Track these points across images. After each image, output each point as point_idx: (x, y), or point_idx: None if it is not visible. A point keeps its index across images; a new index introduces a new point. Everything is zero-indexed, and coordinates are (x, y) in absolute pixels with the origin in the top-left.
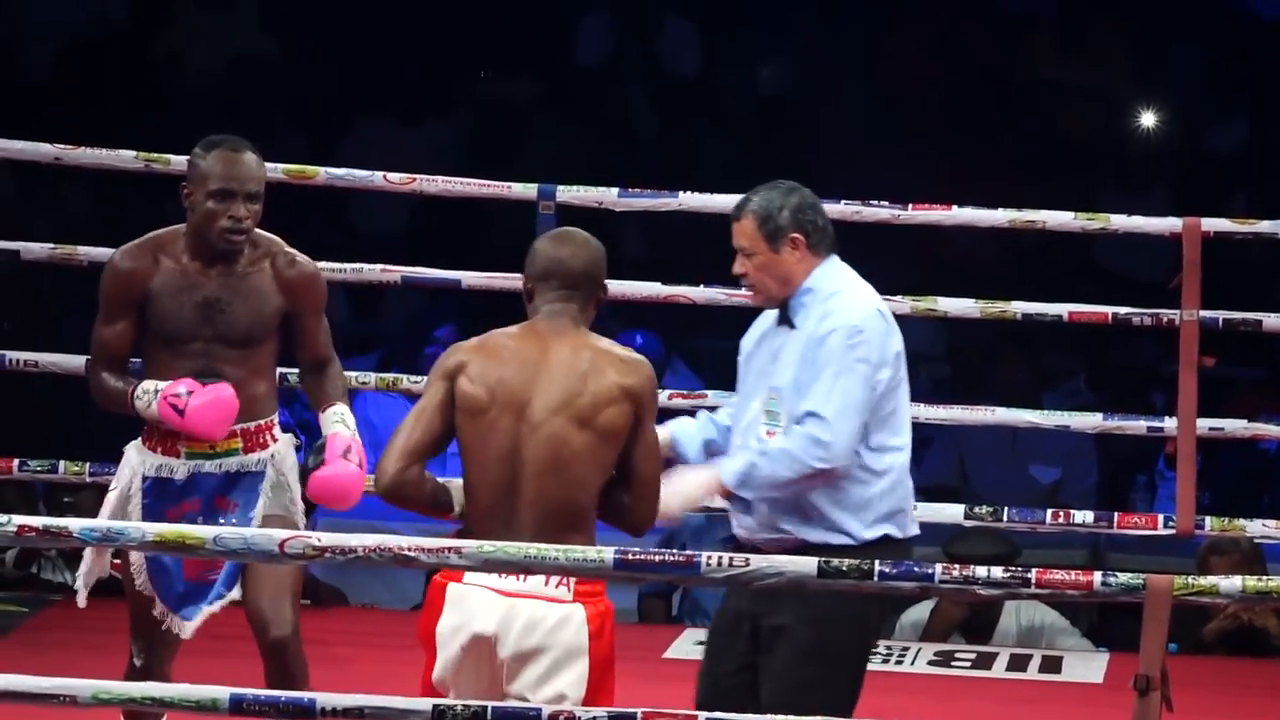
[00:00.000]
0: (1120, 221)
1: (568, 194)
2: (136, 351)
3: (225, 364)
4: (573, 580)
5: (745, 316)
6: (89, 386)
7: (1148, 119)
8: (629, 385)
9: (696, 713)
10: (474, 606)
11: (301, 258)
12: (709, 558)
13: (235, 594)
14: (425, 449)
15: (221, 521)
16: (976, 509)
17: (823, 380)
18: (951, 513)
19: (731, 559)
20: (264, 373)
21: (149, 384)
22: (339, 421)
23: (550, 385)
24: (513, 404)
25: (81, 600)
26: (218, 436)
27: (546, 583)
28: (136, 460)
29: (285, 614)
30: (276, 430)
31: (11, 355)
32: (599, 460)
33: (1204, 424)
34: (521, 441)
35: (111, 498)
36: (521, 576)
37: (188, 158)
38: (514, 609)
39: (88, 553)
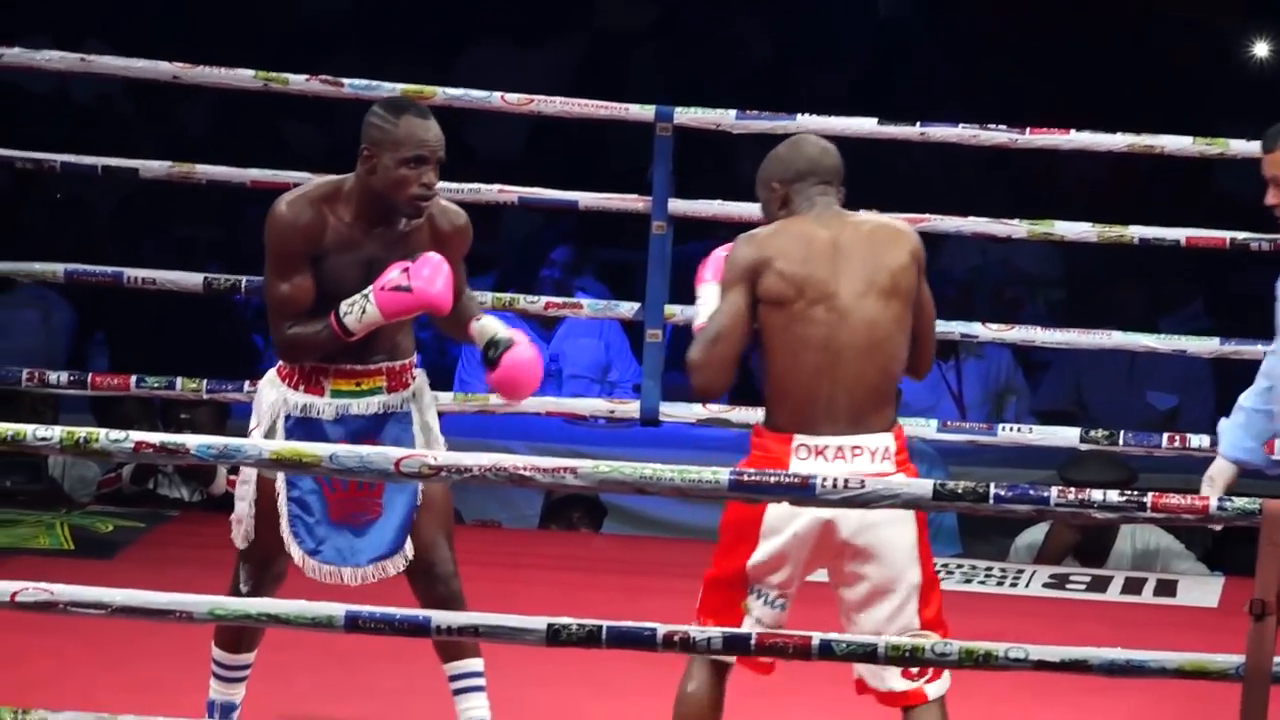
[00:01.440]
0: (1239, 146)
1: (685, 116)
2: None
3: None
4: (893, 453)
5: None
6: (280, 351)
7: (1261, 48)
8: (912, 247)
9: (810, 633)
10: None
11: (453, 208)
12: (824, 479)
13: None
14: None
15: None
16: (1092, 433)
17: None
18: (1067, 436)
19: (847, 480)
20: (409, 324)
21: (345, 302)
22: (503, 326)
23: (850, 270)
24: (822, 294)
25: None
26: (448, 304)
27: (872, 459)
28: (275, 396)
29: (445, 553)
30: (416, 370)
31: (130, 273)
32: (905, 328)
33: None
34: (835, 328)
35: (256, 435)
36: (849, 458)
37: (371, 119)
38: None
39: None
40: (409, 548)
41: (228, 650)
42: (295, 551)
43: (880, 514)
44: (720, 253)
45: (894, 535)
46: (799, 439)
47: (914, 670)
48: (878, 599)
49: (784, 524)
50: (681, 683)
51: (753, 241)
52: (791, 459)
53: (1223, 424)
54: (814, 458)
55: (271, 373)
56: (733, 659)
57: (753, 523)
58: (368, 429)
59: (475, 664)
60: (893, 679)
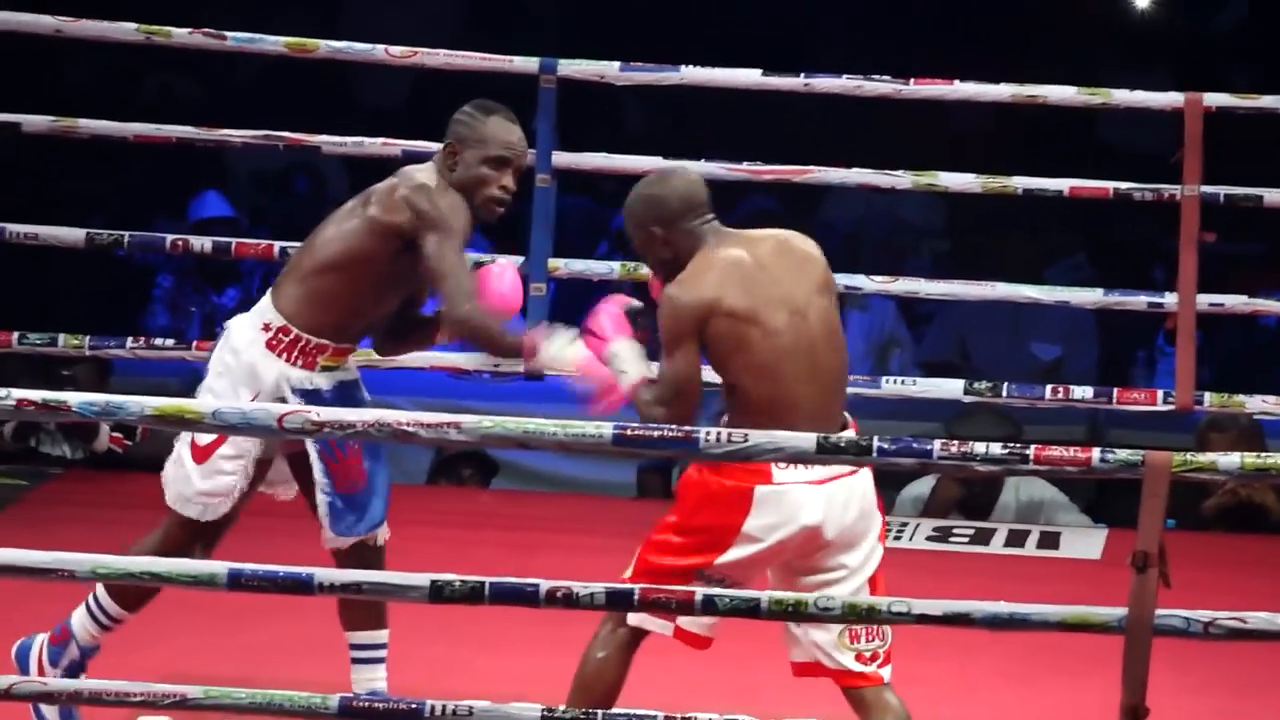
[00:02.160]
0: (1122, 96)
1: (570, 68)
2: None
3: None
4: None
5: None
6: (457, 321)
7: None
8: (818, 249)
9: (694, 589)
10: (794, 502)
11: None
12: (707, 433)
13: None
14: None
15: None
16: (976, 385)
17: None
18: (951, 388)
19: (730, 434)
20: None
21: (549, 335)
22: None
23: (786, 277)
24: (777, 309)
25: None
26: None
27: None
28: (274, 370)
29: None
30: None
31: (12, 228)
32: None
33: (1204, 300)
34: (799, 330)
35: (254, 404)
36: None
37: (459, 115)
38: (831, 494)
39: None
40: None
41: (126, 608)
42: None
43: (859, 508)
44: (609, 308)
45: (868, 526)
46: None
47: (867, 655)
48: (840, 583)
49: (767, 534)
50: (588, 649)
51: (688, 289)
52: (772, 469)
53: None
54: (792, 466)
55: (261, 344)
56: (646, 630)
57: (728, 530)
58: (357, 397)
59: (380, 635)
60: (847, 659)
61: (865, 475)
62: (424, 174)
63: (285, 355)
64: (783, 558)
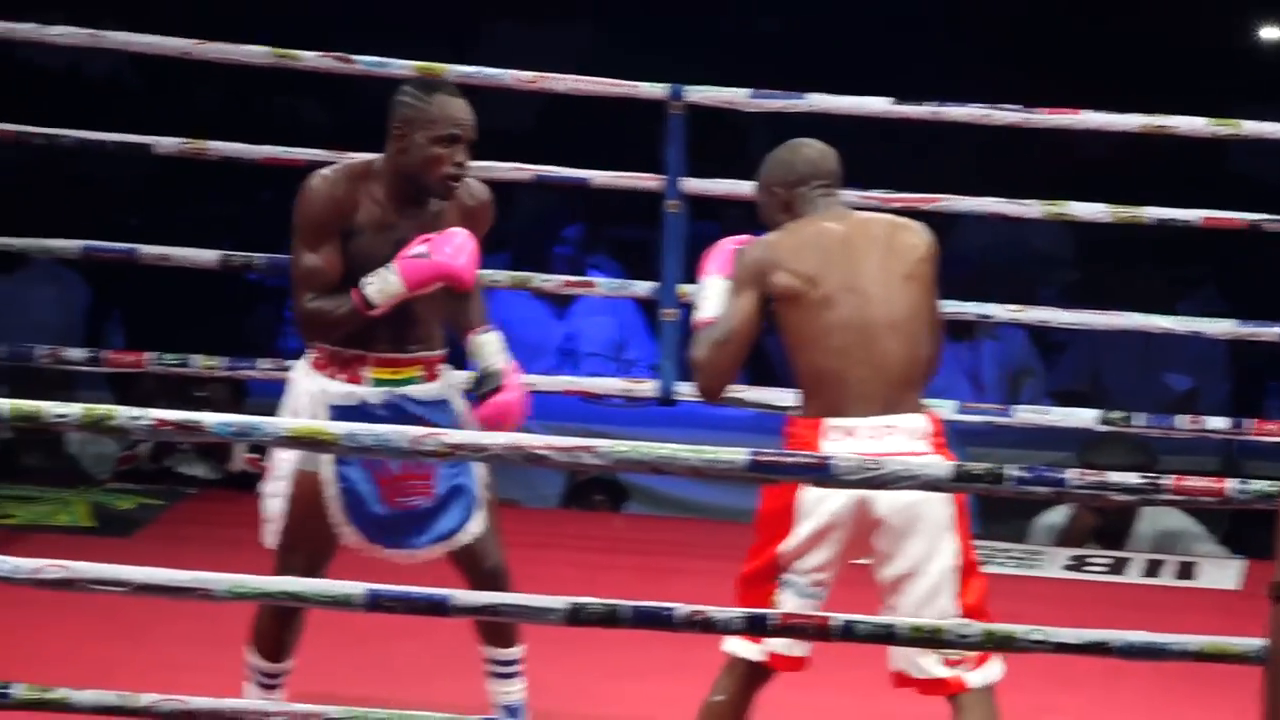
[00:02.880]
0: (1252, 128)
1: (697, 94)
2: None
3: (414, 303)
4: (929, 434)
5: None
6: (301, 325)
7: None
8: (927, 239)
9: (829, 614)
10: None
11: (477, 183)
12: (840, 459)
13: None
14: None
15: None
16: (1109, 414)
17: None
18: (1084, 417)
19: (864, 462)
20: (439, 305)
21: (368, 274)
22: (500, 350)
23: (869, 258)
24: (841, 281)
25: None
26: (471, 278)
27: (907, 439)
28: (314, 387)
29: (494, 545)
30: (447, 365)
31: (145, 249)
32: (927, 314)
33: None
34: (860, 309)
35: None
36: (882, 437)
37: (402, 97)
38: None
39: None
40: (471, 527)
41: (268, 659)
42: (354, 539)
43: (917, 491)
44: (726, 245)
45: (929, 511)
46: (830, 422)
47: (954, 657)
48: (911, 579)
49: (817, 504)
50: (710, 690)
51: (763, 243)
52: (822, 441)
53: None
54: (845, 438)
55: (304, 364)
56: (767, 673)
57: (785, 510)
58: (416, 416)
59: (514, 651)
60: (932, 666)
61: (931, 458)
62: (317, 173)
63: (325, 371)
64: (847, 539)
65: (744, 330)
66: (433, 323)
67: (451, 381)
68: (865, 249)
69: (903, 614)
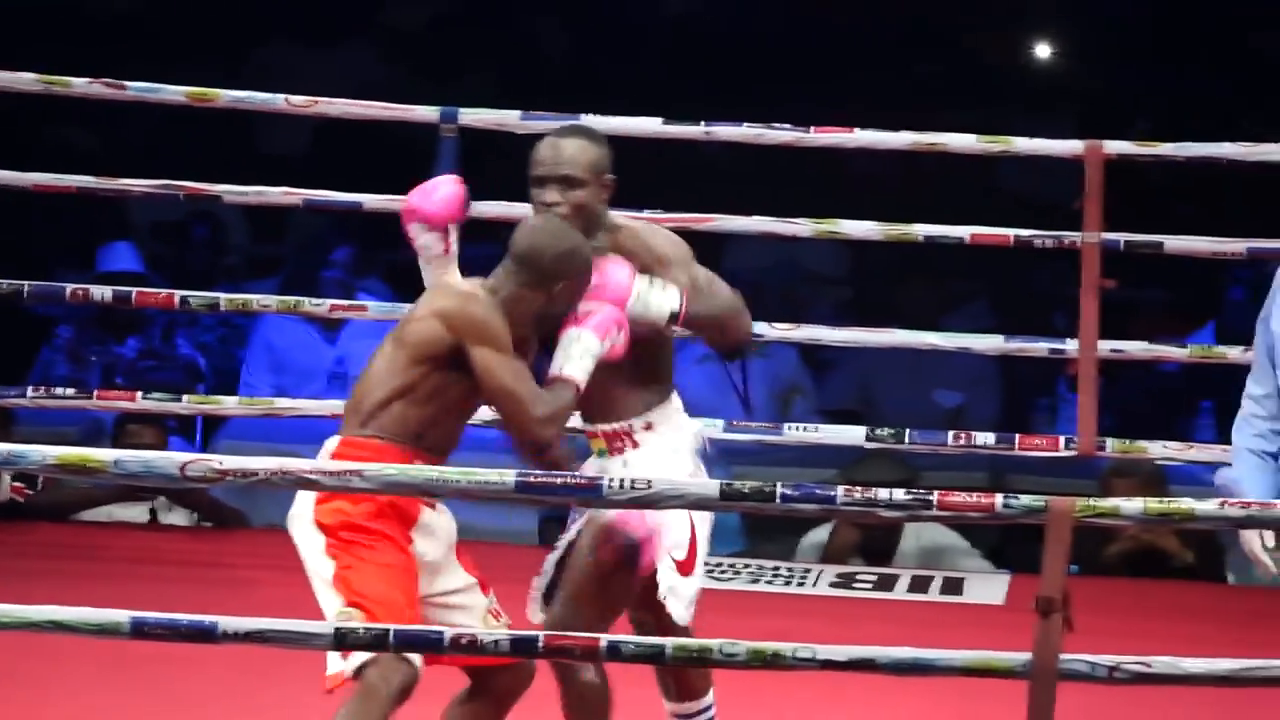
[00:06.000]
0: (1022, 144)
1: (470, 117)
2: None
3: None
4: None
5: None
6: (546, 432)
7: (1048, 47)
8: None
9: (599, 635)
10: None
11: (621, 238)
12: (610, 481)
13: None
14: None
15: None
16: (878, 431)
17: None
18: (853, 435)
19: (633, 481)
20: (619, 369)
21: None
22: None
23: None
24: None
25: None
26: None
27: None
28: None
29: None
30: (641, 435)
31: None
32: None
33: (1105, 346)
34: None
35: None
36: None
37: None
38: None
39: None
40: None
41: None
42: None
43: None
44: (613, 284)
45: (298, 531)
46: None
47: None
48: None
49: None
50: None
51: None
52: None
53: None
54: None
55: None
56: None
57: None
58: None
59: (705, 700)
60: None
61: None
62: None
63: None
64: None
65: None
66: (611, 392)
67: (633, 459)
68: None
69: None
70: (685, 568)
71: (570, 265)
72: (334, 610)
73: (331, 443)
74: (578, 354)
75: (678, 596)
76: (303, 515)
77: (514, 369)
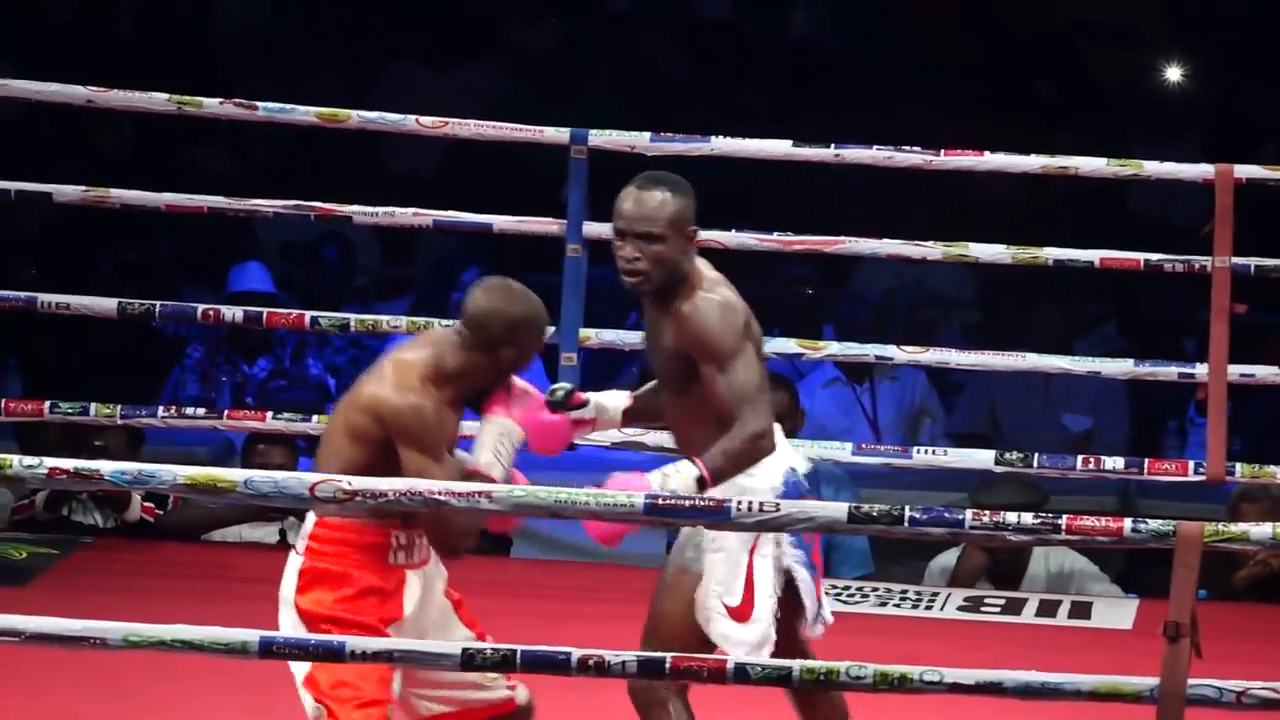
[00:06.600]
0: (1153, 168)
1: (600, 139)
2: None
3: (668, 404)
4: None
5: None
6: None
7: (1178, 70)
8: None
9: (725, 657)
10: None
11: (696, 297)
12: (739, 503)
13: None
14: None
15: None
16: (1007, 455)
17: None
18: (982, 458)
19: (763, 504)
20: (697, 419)
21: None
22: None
23: None
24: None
25: None
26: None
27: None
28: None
29: None
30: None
31: (44, 298)
32: None
33: (1235, 370)
34: None
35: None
36: None
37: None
38: None
39: None
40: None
41: None
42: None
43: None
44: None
45: (284, 616)
46: None
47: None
48: None
49: None
50: None
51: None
52: None
53: None
54: None
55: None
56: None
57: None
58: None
59: None
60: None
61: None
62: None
63: None
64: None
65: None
66: (688, 440)
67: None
68: None
69: None
70: (741, 614)
71: (520, 333)
72: (309, 708)
73: (308, 524)
74: (507, 451)
75: (733, 644)
76: (287, 599)
77: (444, 474)
